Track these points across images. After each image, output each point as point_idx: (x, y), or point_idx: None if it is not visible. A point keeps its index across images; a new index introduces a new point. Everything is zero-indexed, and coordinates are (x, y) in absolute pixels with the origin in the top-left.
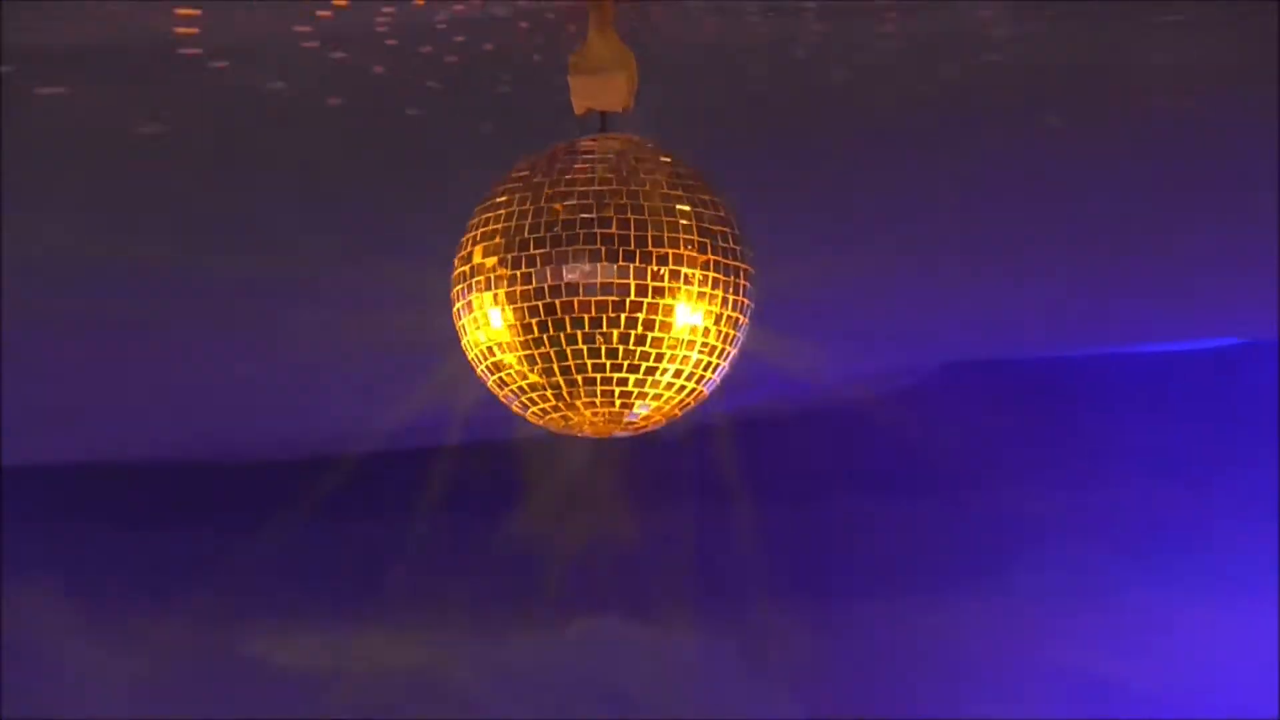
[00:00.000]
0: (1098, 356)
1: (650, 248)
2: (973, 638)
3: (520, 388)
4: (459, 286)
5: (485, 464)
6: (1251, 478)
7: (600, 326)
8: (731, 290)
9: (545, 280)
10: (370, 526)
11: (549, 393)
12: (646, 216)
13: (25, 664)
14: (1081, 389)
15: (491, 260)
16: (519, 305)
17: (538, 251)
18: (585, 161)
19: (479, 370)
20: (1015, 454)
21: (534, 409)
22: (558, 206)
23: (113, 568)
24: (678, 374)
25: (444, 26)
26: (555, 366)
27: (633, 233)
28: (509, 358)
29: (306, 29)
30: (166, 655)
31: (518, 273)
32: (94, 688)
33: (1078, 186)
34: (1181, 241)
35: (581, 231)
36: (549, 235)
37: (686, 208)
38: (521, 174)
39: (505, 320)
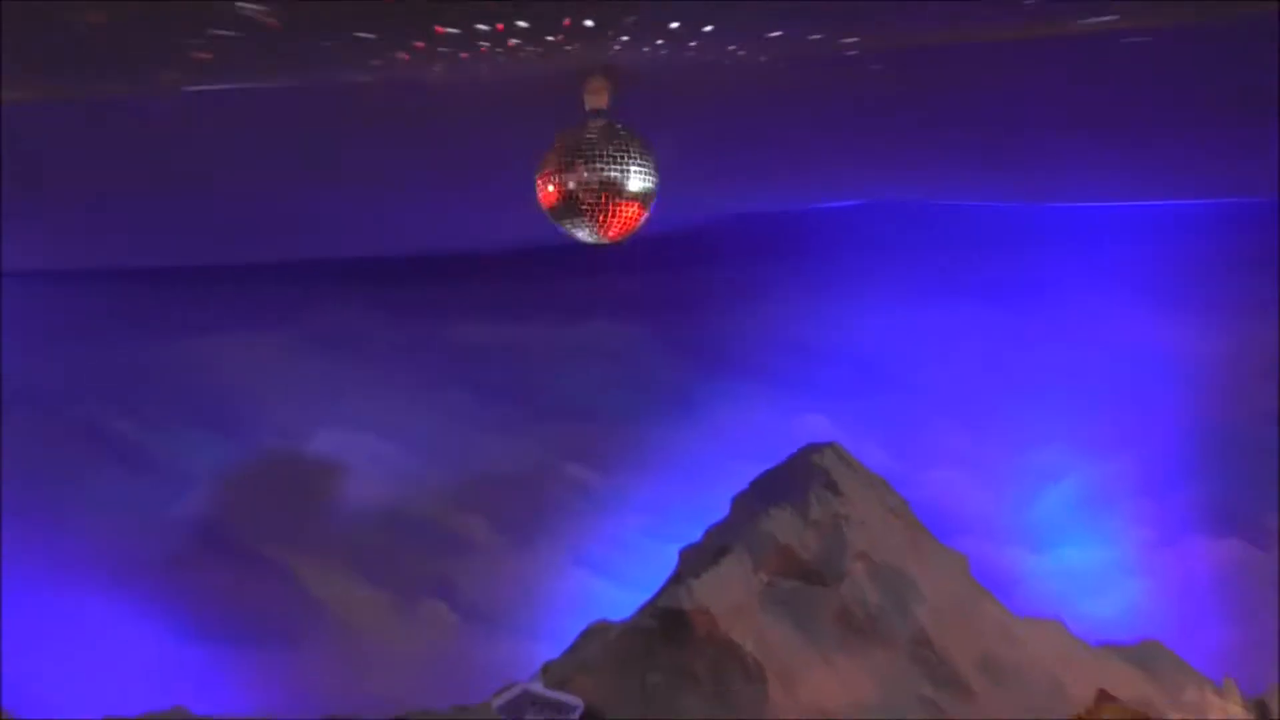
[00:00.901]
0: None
1: (611, 162)
2: None
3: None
4: (538, 176)
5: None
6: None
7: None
8: (650, 172)
9: (570, 178)
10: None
11: (583, 224)
12: (609, 149)
13: None
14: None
15: (550, 166)
16: (559, 187)
17: (566, 162)
18: (587, 129)
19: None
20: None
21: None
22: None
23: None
24: (633, 214)
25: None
26: (579, 218)
27: (603, 155)
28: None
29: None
30: None
31: (559, 174)
32: None
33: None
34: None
35: (580, 157)
36: (570, 159)
37: (628, 143)
38: (562, 134)
39: (554, 191)
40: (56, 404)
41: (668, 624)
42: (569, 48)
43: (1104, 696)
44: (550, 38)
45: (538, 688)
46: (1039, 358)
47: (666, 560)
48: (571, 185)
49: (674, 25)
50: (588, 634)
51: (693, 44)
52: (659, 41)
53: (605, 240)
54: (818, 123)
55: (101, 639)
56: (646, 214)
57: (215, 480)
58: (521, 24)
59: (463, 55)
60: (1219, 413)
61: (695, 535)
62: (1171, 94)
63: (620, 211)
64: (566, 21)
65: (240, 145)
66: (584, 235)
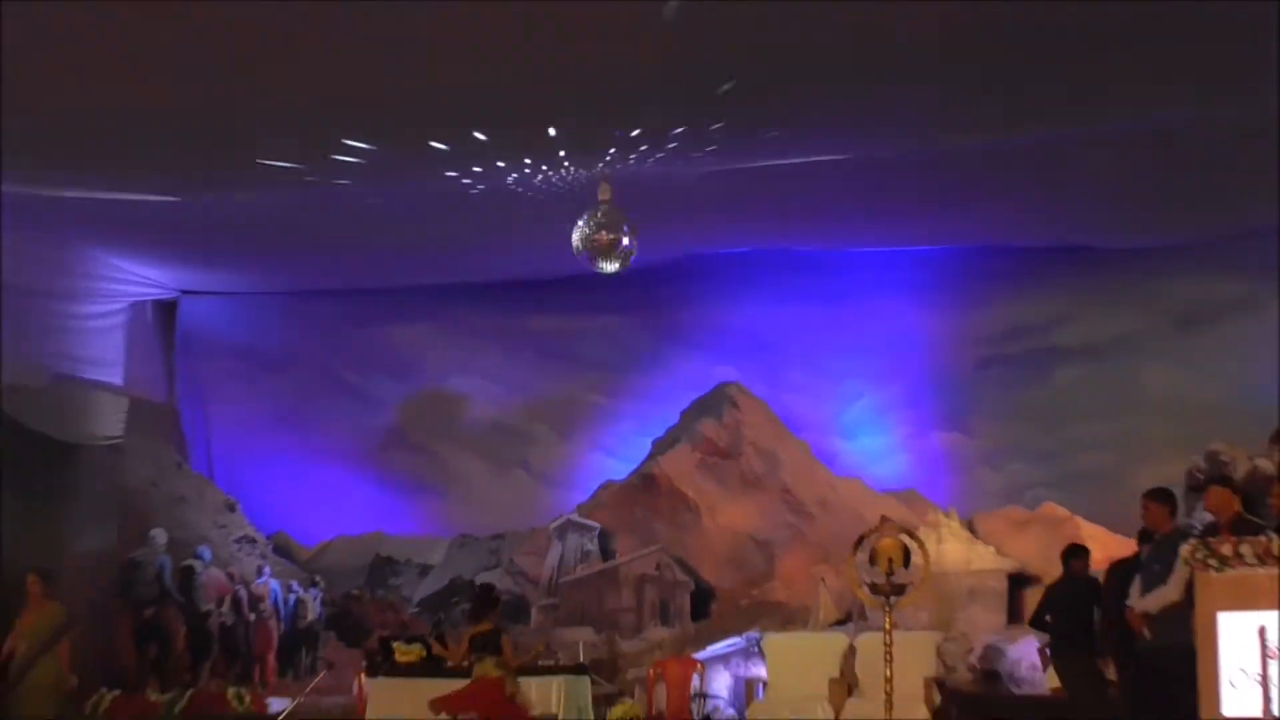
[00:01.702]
0: None
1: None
2: None
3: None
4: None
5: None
6: None
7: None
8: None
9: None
10: None
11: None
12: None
13: None
14: None
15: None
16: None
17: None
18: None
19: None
20: None
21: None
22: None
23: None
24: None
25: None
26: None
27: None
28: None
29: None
30: None
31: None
32: None
33: None
34: None
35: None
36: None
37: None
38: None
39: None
40: (312, 363)
41: (645, 482)
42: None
43: (884, 519)
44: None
45: (575, 517)
46: (850, 332)
47: (644, 446)
48: (591, 238)
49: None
50: (601, 488)
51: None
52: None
53: (611, 270)
54: (732, 208)
55: (336, 492)
56: (633, 253)
57: (397, 404)
58: (562, 153)
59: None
60: (945, 362)
61: (660, 432)
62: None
63: (624, 253)
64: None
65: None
66: (604, 267)
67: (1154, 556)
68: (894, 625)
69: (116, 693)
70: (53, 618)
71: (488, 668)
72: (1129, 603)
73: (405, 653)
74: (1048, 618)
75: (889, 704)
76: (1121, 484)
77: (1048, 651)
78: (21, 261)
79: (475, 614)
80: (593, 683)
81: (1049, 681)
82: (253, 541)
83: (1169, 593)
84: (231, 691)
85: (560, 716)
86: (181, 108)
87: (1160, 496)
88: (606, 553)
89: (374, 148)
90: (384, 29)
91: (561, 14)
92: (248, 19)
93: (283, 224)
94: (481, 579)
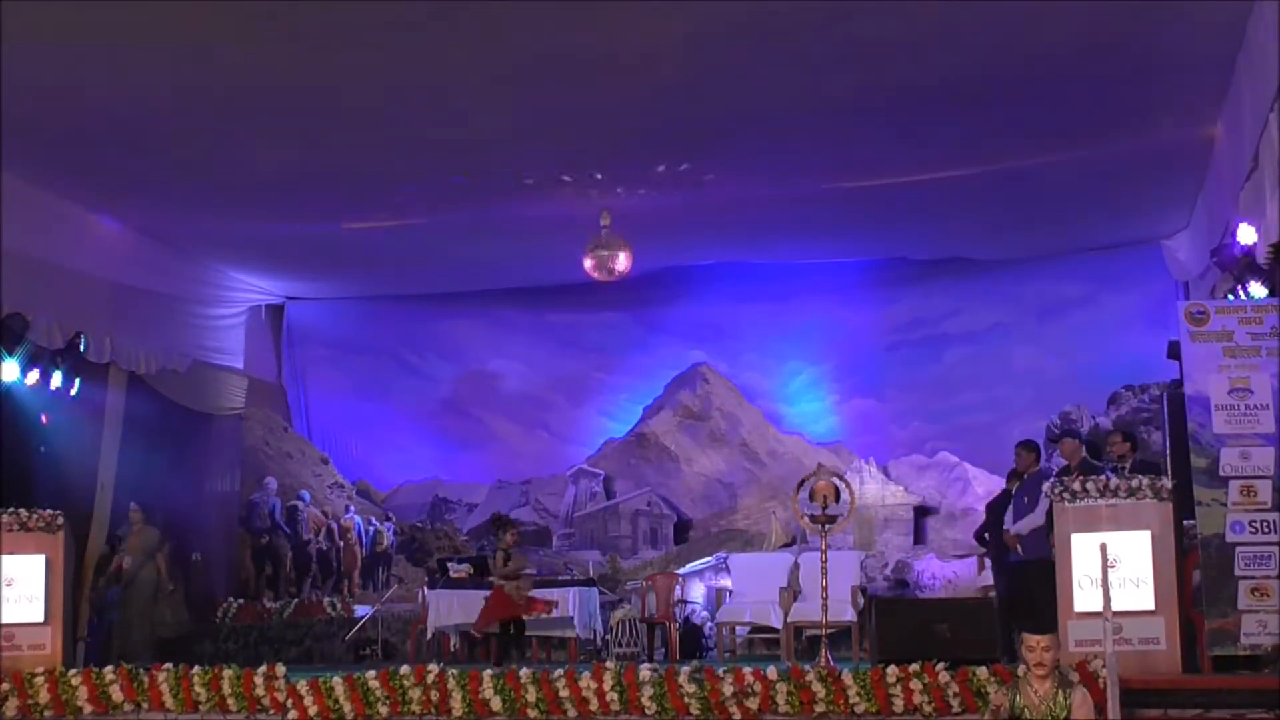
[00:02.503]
0: None
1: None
2: None
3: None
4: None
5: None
6: None
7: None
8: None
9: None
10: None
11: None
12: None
13: None
14: None
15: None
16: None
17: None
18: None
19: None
20: None
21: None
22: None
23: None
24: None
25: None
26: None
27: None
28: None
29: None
30: None
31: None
32: None
33: None
34: None
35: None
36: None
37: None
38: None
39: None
40: (385, 350)
41: (638, 439)
42: (591, 194)
43: (820, 466)
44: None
45: (585, 466)
46: (792, 324)
47: (636, 412)
48: (596, 256)
49: (641, 192)
50: (604, 444)
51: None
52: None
53: (611, 279)
54: (702, 230)
55: (404, 448)
56: (628, 268)
57: (449, 379)
58: (566, 179)
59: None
60: (863, 346)
61: (649, 401)
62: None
63: (623, 265)
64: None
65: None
66: (606, 277)
67: (1023, 491)
68: (828, 546)
69: (241, 601)
70: (149, 539)
71: (507, 583)
72: (1005, 527)
73: (457, 571)
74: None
75: (825, 606)
76: (997, 436)
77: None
78: (168, 276)
79: (496, 536)
80: (600, 592)
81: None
82: (341, 487)
83: (1035, 519)
84: (326, 600)
85: (575, 619)
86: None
87: (1028, 445)
88: (609, 493)
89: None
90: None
91: (573, 71)
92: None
93: (367, 246)
94: (515, 514)
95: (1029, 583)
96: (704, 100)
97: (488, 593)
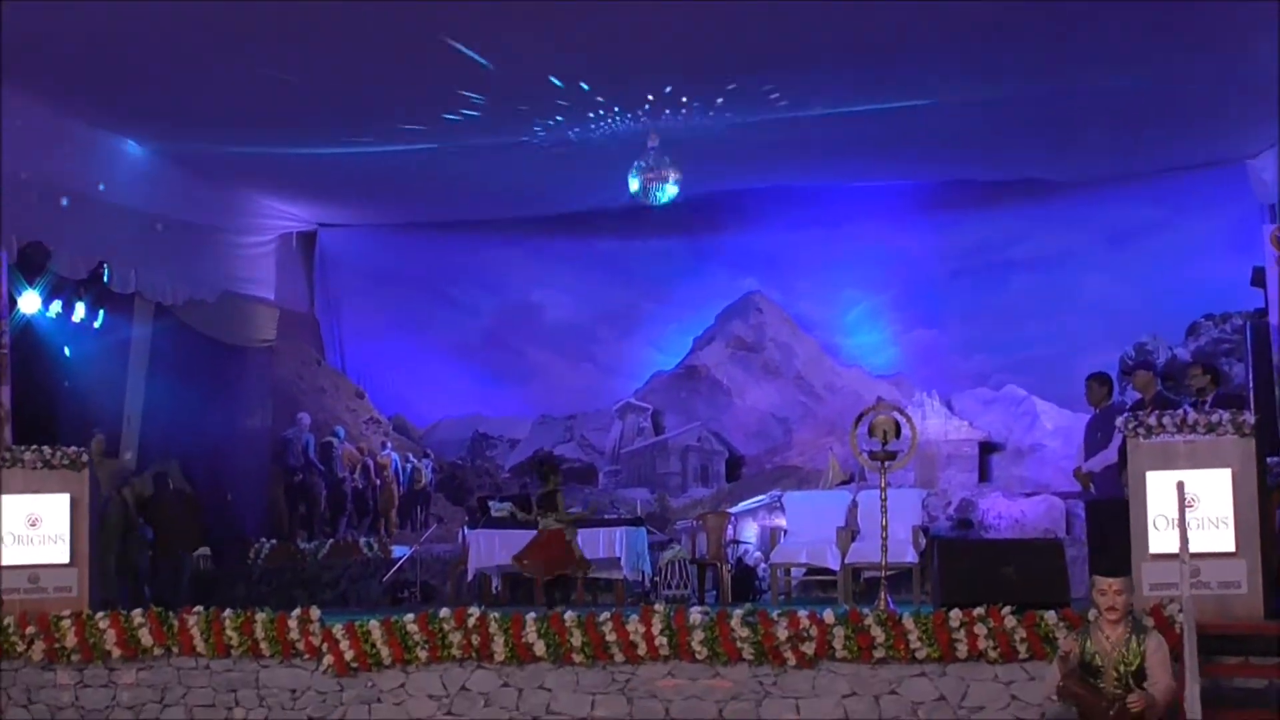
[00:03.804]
0: None
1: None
2: None
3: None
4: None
5: None
6: None
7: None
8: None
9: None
10: None
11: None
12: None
13: None
14: None
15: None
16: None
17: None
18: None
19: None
20: None
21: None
22: None
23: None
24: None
25: None
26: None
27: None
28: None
29: None
30: None
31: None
32: None
33: None
34: None
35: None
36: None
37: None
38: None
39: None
40: (423, 280)
41: (688, 372)
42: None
43: (880, 400)
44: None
45: (632, 400)
46: (850, 251)
47: (687, 343)
48: (644, 178)
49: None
50: (653, 377)
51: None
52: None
53: (661, 203)
54: (756, 153)
55: (443, 382)
56: (677, 190)
57: (489, 311)
58: (617, 108)
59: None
60: (925, 273)
61: (699, 332)
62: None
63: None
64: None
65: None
66: (655, 200)
67: (1095, 425)
68: (888, 484)
69: (274, 542)
70: (111, 471)
71: (550, 522)
72: (1077, 464)
73: (499, 510)
74: None
75: (884, 547)
76: (1067, 369)
77: None
78: (195, 202)
79: (541, 477)
80: (648, 532)
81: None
82: (377, 422)
83: (1108, 455)
84: (362, 541)
85: (623, 560)
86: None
87: (1100, 378)
88: (658, 428)
89: (476, 111)
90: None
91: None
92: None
93: (401, 171)
94: (559, 450)
95: (1101, 522)
96: (759, 14)
97: (535, 533)
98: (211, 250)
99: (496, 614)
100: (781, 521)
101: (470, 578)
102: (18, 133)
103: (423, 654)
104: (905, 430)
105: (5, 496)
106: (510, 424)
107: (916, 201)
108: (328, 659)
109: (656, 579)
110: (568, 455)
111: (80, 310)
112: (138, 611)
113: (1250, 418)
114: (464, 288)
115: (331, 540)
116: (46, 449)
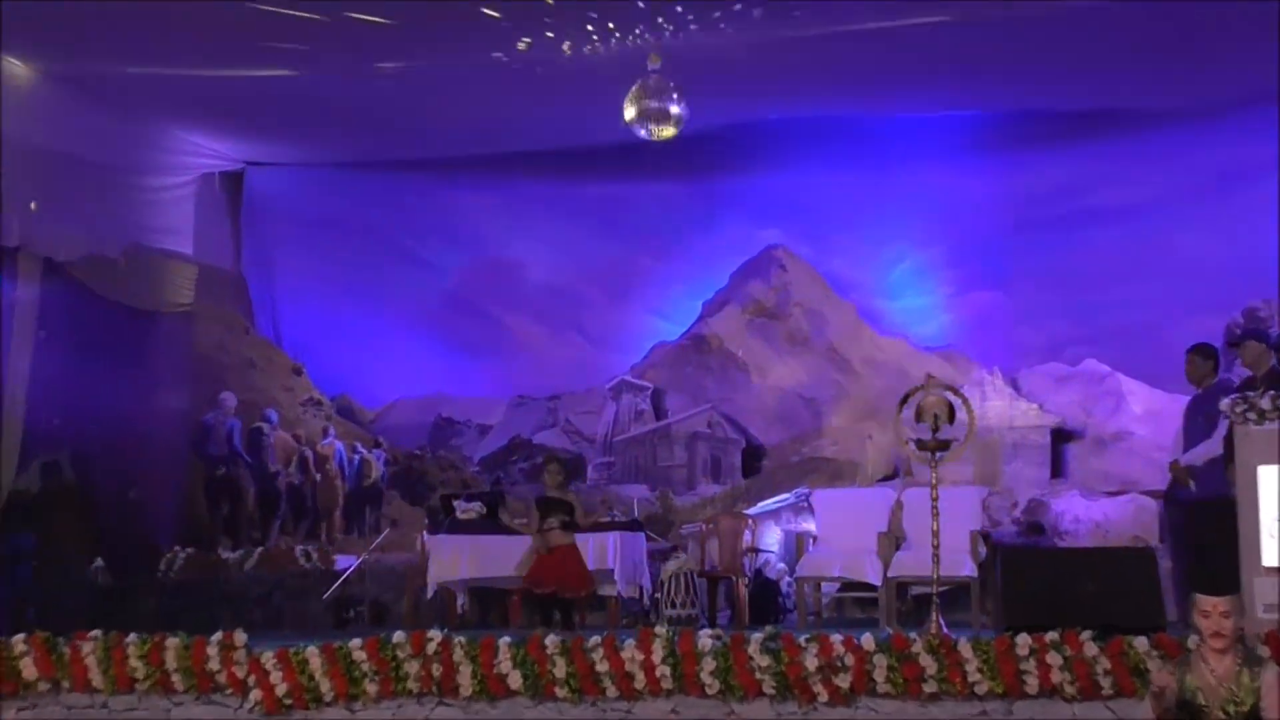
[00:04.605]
0: None
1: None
2: None
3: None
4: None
5: None
6: None
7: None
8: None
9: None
10: None
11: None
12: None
13: None
14: None
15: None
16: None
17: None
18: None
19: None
20: None
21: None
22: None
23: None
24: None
25: None
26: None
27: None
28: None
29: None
30: None
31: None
32: None
33: None
34: None
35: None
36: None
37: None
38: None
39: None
40: (373, 231)
41: (696, 343)
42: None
43: (929, 377)
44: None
45: (629, 377)
46: (892, 196)
47: (694, 308)
48: (643, 106)
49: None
50: (654, 349)
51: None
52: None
53: (663, 138)
54: (776, 76)
55: (398, 355)
56: (684, 120)
57: (455, 269)
58: (611, 24)
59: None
60: (984, 224)
61: (709, 295)
62: None
63: (675, 120)
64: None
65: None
66: (656, 134)
67: (1196, 409)
68: (940, 480)
69: (190, 550)
70: None
71: (558, 535)
72: (1173, 456)
73: (466, 511)
74: None
75: (936, 557)
76: (1160, 340)
77: None
78: (97, 139)
79: (560, 483)
80: (647, 538)
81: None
82: (318, 404)
83: (1213, 446)
84: (299, 549)
85: (616, 572)
86: None
87: (1203, 351)
88: (659, 411)
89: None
90: None
91: None
92: None
93: (347, 98)
94: (540, 438)
95: (1202, 528)
96: None
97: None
98: (115, 195)
99: (462, 638)
100: (810, 525)
101: (431, 594)
102: None
103: (372, 687)
104: (961, 414)
105: None
106: (480, 406)
107: (976, 136)
108: (256, 694)
109: (657, 595)
110: (550, 444)
111: None
112: (19, 638)
113: None
114: (424, 240)
115: (261, 548)
116: None
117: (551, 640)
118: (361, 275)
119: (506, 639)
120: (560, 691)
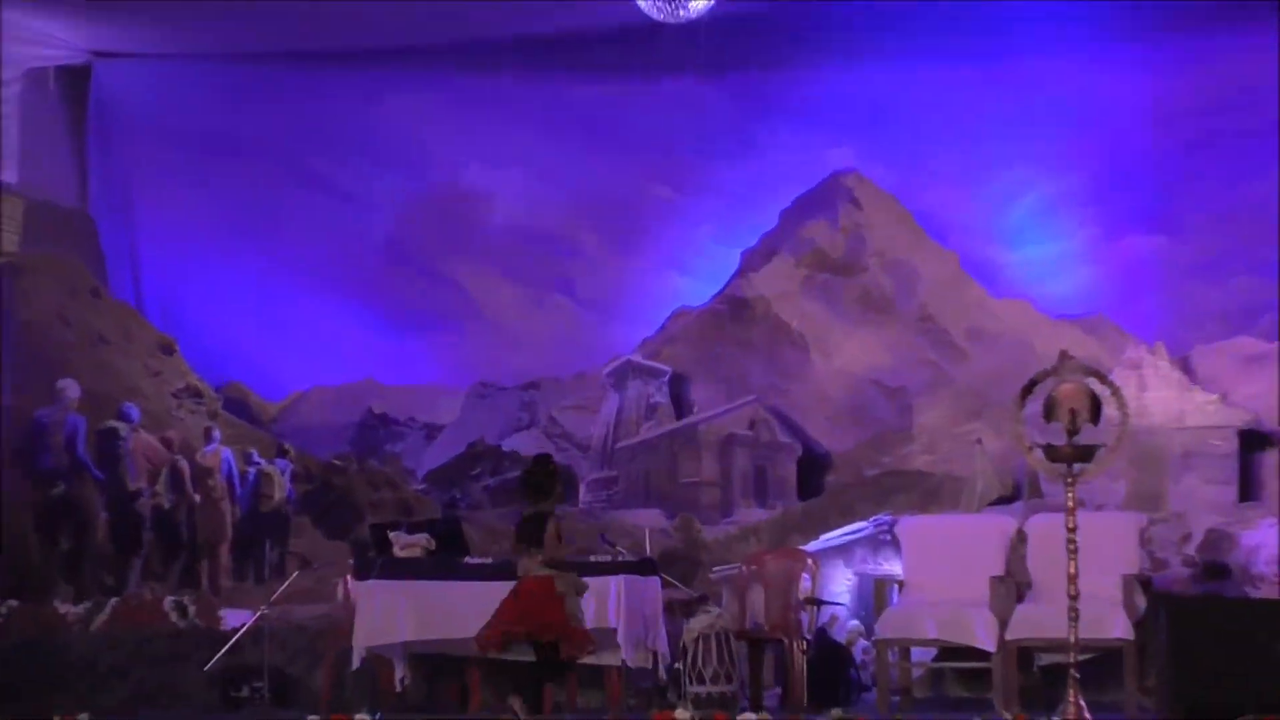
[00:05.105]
0: None
1: None
2: None
3: None
4: None
5: None
6: None
7: None
8: None
9: None
10: None
11: None
12: None
13: None
14: None
15: None
16: None
17: None
18: None
19: None
20: None
21: None
22: None
23: None
24: None
25: None
26: None
27: None
28: None
29: None
30: None
31: None
32: None
33: None
34: None
35: None
36: None
37: None
38: None
39: None
40: (272, 150)
41: (733, 309)
42: None
43: (1064, 356)
44: None
45: (637, 358)
46: (1011, 103)
47: (730, 260)
48: None
49: None
50: (674, 318)
51: None
52: None
53: (686, 16)
54: None
55: (311, 326)
56: None
57: (389, 203)
58: None
59: None
60: (1141, 142)
61: (752, 241)
62: None
63: None
64: None
65: None
66: (676, 11)
67: None
68: (1080, 504)
69: (13, 602)
70: None
71: (530, 565)
72: None
73: (407, 545)
74: None
75: (1074, 612)
76: None
77: None
78: None
79: (535, 495)
80: (664, 584)
81: None
82: (197, 395)
83: None
84: (170, 600)
85: (620, 631)
86: None
87: None
88: (681, 406)
89: None
90: None
91: None
92: None
93: None
94: (510, 442)
95: None
96: None
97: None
98: None
99: None
100: (895, 567)
101: (357, 663)
102: None
103: None
104: (1109, 410)
105: None
106: (425, 398)
107: (1124, 24)
108: None
109: (678, 665)
110: (527, 451)
111: None
112: None
113: None
114: (342, 163)
115: (116, 599)
116: None
117: None
118: (255, 213)
119: None
120: None
